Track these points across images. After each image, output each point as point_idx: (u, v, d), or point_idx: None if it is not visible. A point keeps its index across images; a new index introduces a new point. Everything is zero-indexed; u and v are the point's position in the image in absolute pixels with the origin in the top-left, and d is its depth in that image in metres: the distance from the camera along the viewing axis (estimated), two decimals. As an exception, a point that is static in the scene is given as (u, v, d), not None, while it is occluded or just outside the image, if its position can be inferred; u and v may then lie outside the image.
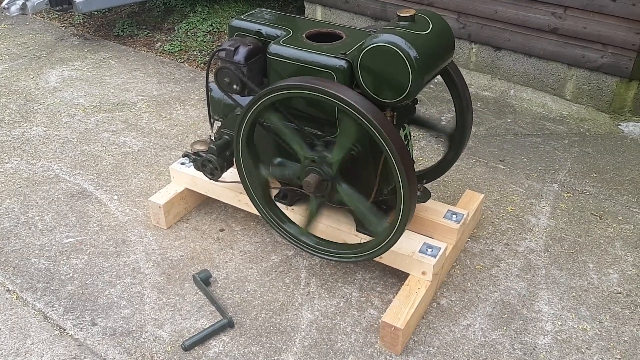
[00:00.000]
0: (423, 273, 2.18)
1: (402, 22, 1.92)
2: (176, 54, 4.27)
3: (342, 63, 1.95)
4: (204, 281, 2.25)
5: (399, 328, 2.00)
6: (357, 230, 2.27)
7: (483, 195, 2.61)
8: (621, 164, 3.07)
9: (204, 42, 4.39)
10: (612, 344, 2.07)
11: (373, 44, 1.86)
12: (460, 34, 3.78)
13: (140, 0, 4.59)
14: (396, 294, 2.13)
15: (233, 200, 2.51)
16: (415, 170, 2.44)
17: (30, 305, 2.19)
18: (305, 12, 4.46)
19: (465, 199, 2.60)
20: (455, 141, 2.34)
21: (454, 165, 2.43)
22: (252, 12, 2.32)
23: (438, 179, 2.55)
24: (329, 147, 2.07)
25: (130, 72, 3.96)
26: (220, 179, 2.36)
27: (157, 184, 2.85)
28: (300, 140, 2.05)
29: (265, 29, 2.18)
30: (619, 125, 3.42)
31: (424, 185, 2.34)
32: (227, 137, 2.34)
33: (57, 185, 2.84)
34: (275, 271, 2.35)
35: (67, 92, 3.68)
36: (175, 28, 4.62)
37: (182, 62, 4.15)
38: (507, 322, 2.15)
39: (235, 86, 2.12)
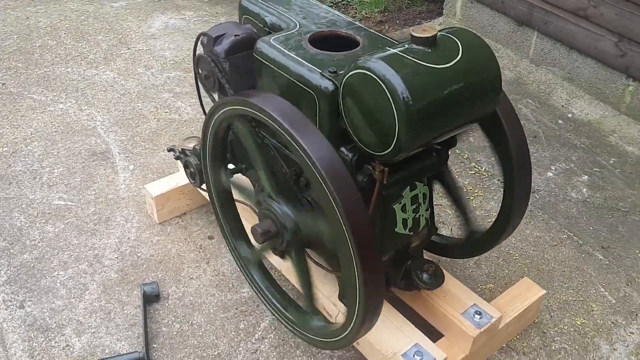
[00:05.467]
0: (400, 385, 1.61)
1: (415, 47, 1.32)
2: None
3: (328, 85, 1.41)
4: (148, 296, 1.92)
5: None
6: (339, 299, 1.75)
7: (544, 292, 1.90)
8: None
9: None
10: None
11: (358, 68, 1.30)
12: (616, 63, 2.88)
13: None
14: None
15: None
16: (435, 239, 1.84)
17: (-19, 264, 2.05)
18: (445, 1, 3.79)
19: (517, 290, 1.92)
20: (500, 219, 1.67)
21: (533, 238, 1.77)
22: None
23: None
24: (309, 185, 1.57)
25: (231, 33, 3.69)
26: (202, 187, 2.00)
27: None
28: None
29: (270, 18, 1.70)
30: None
31: (437, 265, 1.71)
32: None
33: (88, 138, 2.68)
34: (236, 309, 1.93)
35: (160, 41, 3.53)
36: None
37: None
38: None
39: (212, 83, 1.70)
